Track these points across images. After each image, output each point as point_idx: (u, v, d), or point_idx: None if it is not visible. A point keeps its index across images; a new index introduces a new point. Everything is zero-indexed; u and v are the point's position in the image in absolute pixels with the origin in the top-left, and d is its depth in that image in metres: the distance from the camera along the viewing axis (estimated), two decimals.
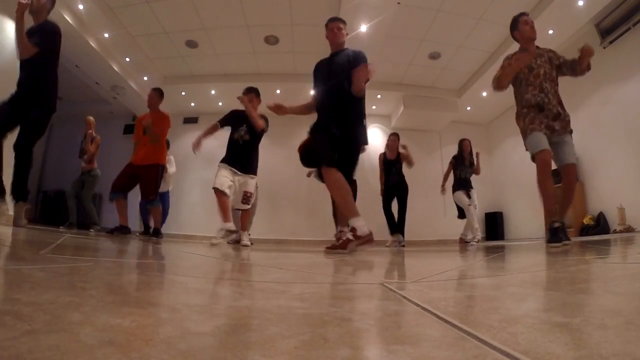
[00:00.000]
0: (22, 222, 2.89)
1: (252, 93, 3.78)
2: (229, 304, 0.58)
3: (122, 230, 3.84)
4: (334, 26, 2.60)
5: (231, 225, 3.39)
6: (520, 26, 2.70)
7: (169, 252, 2.11)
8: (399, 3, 4.98)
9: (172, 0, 5.27)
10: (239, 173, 3.62)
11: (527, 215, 7.05)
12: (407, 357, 0.32)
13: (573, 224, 5.48)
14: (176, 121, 8.41)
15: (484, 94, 7.19)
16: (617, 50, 4.99)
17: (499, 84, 2.66)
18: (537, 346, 0.34)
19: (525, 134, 2.60)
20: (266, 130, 3.77)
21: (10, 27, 4.31)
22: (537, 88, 2.57)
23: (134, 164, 3.92)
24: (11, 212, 2.97)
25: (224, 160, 3.68)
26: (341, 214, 2.72)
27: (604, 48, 5.20)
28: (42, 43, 2.83)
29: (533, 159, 2.55)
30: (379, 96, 7.67)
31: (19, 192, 2.85)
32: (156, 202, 3.96)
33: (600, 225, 4.94)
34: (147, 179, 3.89)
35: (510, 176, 7.52)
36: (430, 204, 7.46)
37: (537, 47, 2.72)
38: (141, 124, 4.03)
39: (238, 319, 0.47)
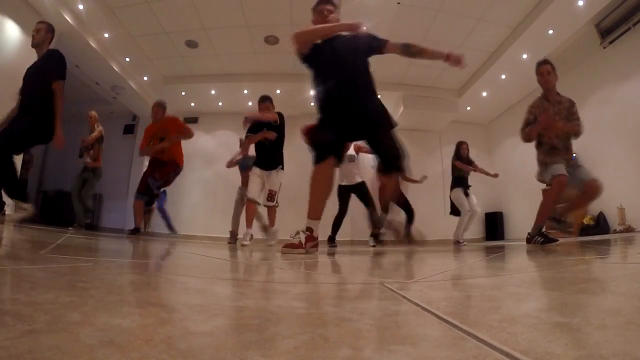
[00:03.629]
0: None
1: (267, 102, 4.05)
2: (229, 304, 0.58)
3: (134, 232, 3.91)
4: (324, 9, 2.34)
5: (251, 231, 3.77)
6: (538, 77, 3.07)
7: (169, 252, 2.11)
8: (399, 3, 4.99)
9: (172, 0, 5.27)
10: (267, 171, 3.89)
11: (527, 215, 7.03)
12: (407, 357, 0.32)
13: (573, 224, 5.48)
14: None
15: (484, 94, 7.19)
16: (617, 50, 4.99)
17: (528, 139, 3.08)
18: (537, 346, 0.34)
19: (546, 165, 2.94)
20: (278, 122, 3.94)
21: (10, 26, 4.31)
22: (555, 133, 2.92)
23: (159, 159, 3.97)
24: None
25: (255, 164, 3.95)
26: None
27: (604, 48, 5.20)
28: (59, 74, 3.01)
29: (551, 181, 2.85)
30: (379, 96, 7.67)
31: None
32: (143, 197, 3.98)
33: (600, 225, 4.95)
34: (163, 170, 3.98)
35: (510, 176, 7.52)
36: (430, 204, 7.46)
37: (558, 94, 3.06)
38: (154, 135, 4.05)
39: (238, 319, 0.47)
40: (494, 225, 7.70)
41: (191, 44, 6.31)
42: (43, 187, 8.77)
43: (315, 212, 2.25)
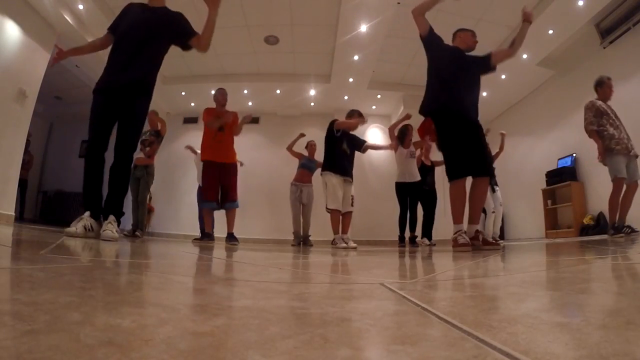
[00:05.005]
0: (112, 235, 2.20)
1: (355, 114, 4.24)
2: (229, 304, 0.58)
3: (209, 237, 3.87)
4: (468, 34, 3.07)
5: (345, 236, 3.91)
6: (606, 89, 3.88)
7: (168, 252, 2.11)
8: (399, 3, 4.99)
9: (171, 0, 5.25)
10: (347, 179, 4.03)
11: (527, 215, 7.05)
12: (407, 357, 0.32)
13: (573, 224, 5.48)
14: (176, 121, 8.42)
15: (484, 93, 7.19)
16: (617, 50, 4.99)
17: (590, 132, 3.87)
18: (537, 346, 0.34)
19: (611, 152, 3.63)
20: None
21: (10, 26, 4.31)
22: (613, 126, 3.73)
23: (215, 162, 3.85)
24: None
25: (333, 169, 3.97)
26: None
27: (604, 48, 5.21)
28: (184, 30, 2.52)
29: (614, 179, 3.58)
30: (379, 96, 7.66)
31: (114, 207, 2.31)
32: (236, 203, 3.94)
33: (600, 225, 4.94)
34: (231, 177, 3.91)
35: (511, 176, 7.53)
36: None
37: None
38: (215, 119, 3.94)
39: (238, 319, 0.47)
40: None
41: None
42: (43, 187, 8.77)
43: (457, 218, 2.67)
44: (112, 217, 2.26)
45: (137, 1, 2.61)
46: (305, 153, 5.07)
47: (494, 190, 5.04)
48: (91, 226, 2.21)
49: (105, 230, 2.18)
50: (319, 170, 4.24)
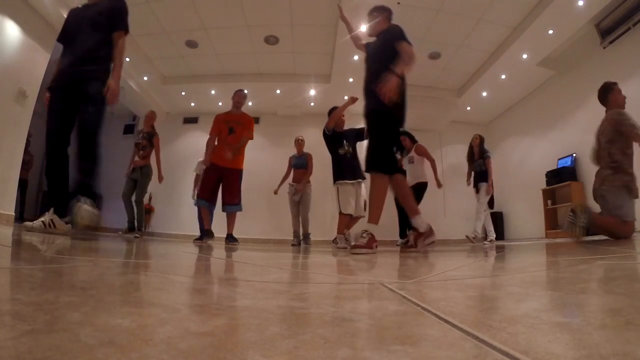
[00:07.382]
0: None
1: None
2: (229, 304, 0.58)
3: (208, 235, 3.88)
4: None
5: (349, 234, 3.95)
6: (620, 96, 3.22)
7: (169, 252, 2.11)
8: (399, 3, 4.99)
9: (172, 0, 5.26)
10: (355, 182, 4.00)
11: (527, 215, 7.05)
12: (407, 357, 0.31)
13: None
14: (176, 121, 8.41)
15: (484, 94, 7.20)
16: (617, 50, 4.99)
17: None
18: (537, 346, 0.34)
19: (630, 192, 3.15)
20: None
21: (10, 26, 4.31)
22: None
23: (218, 165, 3.89)
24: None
25: (341, 177, 3.95)
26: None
27: (604, 48, 5.21)
28: (125, 25, 2.49)
29: (619, 218, 3.08)
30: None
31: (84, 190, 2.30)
32: (238, 207, 3.97)
33: None
34: (233, 181, 3.93)
35: (510, 176, 7.52)
36: (430, 203, 7.44)
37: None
38: (225, 123, 4.00)
39: (238, 319, 0.47)
40: (494, 225, 7.71)
41: (191, 44, 6.31)
42: (43, 187, 8.76)
43: (374, 217, 2.50)
44: (83, 198, 2.25)
45: (78, 4, 2.69)
46: (292, 152, 5.15)
47: (477, 191, 5.30)
48: (52, 222, 2.22)
49: (85, 209, 2.18)
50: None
